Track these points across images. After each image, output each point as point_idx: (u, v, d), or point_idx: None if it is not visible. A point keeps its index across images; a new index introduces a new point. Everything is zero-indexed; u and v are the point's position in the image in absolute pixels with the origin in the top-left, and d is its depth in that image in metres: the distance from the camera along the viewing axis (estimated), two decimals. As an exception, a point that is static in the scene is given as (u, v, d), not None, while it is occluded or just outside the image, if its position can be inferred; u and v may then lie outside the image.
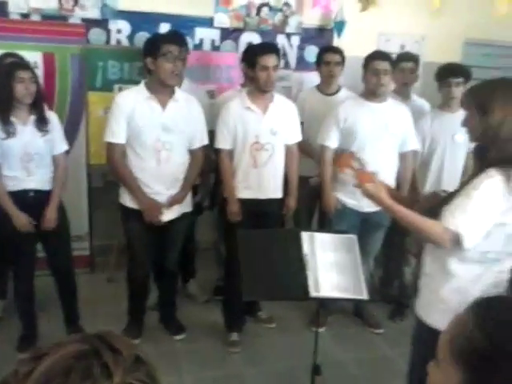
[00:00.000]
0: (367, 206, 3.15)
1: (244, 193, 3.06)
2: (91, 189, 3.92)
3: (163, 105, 2.82)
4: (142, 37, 3.90)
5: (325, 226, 3.39)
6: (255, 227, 3.05)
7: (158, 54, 2.71)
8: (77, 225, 3.51)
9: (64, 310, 3.10)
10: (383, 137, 3.09)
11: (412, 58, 3.79)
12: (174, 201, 2.94)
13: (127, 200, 2.92)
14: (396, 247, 3.64)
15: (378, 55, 3.09)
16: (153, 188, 2.88)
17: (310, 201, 3.61)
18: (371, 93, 3.10)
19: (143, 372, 0.63)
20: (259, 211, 3.07)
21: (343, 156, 2.25)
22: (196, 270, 3.82)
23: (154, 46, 2.77)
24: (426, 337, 1.93)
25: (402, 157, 3.23)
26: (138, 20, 3.95)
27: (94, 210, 3.97)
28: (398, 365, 2.04)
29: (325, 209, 3.28)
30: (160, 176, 2.88)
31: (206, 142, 3.03)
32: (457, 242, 1.79)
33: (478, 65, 4.65)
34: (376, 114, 3.09)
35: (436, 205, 1.92)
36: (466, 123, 1.89)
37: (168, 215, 2.94)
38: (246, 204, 3.05)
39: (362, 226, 3.23)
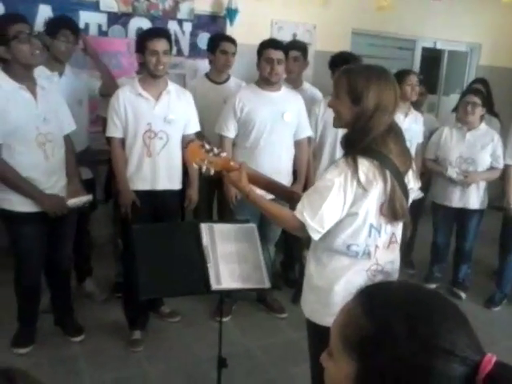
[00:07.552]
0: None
1: (138, 184, 2.94)
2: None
3: (33, 94, 2.60)
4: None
5: (225, 216, 3.35)
6: (153, 221, 2.96)
7: (8, 38, 2.42)
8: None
9: None
10: (279, 126, 3.11)
11: (298, 46, 3.86)
12: (74, 193, 2.79)
13: (17, 204, 2.63)
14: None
15: (271, 44, 3.09)
16: (46, 184, 2.68)
17: (207, 191, 3.55)
18: (265, 81, 3.10)
19: None
20: (156, 203, 2.97)
21: (191, 147, 1.93)
22: (92, 268, 3.63)
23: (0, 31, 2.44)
24: (308, 329, 1.96)
25: (297, 144, 3.28)
26: (13, 0, 3.61)
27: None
28: (303, 348, 2.07)
29: (226, 199, 3.24)
30: (50, 170, 2.69)
31: (73, 127, 2.88)
32: (303, 229, 1.74)
33: (365, 54, 4.87)
34: (272, 103, 3.10)
35: None
36: (333, 107, 1.80)
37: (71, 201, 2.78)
38: (142, 196, 2.93)
39: (262, 213, 3.24)
